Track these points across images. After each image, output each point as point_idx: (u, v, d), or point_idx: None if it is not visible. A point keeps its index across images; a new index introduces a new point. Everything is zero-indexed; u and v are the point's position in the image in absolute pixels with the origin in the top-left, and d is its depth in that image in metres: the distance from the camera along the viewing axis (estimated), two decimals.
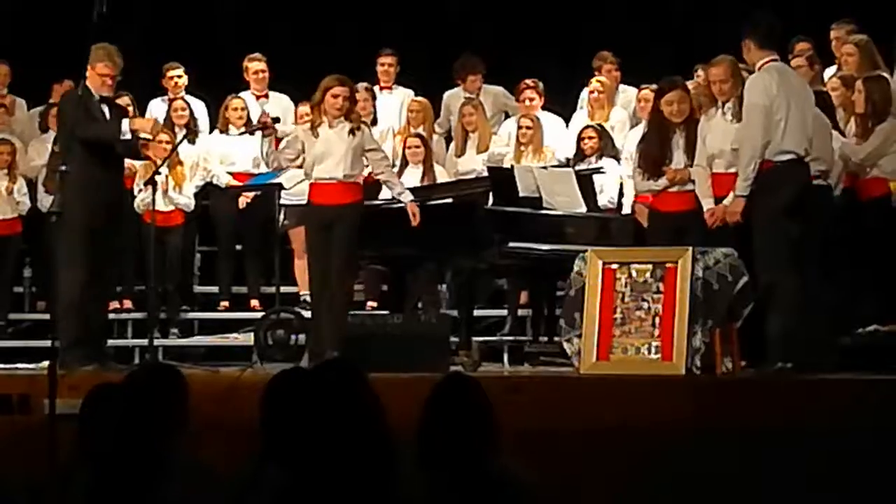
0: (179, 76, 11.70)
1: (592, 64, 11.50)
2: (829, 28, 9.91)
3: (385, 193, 10.64)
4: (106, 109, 8.98)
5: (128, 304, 11.24)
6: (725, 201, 8.13)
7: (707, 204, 8.40)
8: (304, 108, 11.39)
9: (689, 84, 10.22)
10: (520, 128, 10.90)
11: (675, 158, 8.72)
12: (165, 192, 10.60)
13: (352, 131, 9.11)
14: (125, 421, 4.00)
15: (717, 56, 8.53)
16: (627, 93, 11.46)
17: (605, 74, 11.42)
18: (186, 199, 11.12)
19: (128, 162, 10.83)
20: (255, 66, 11.74)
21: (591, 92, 11.25)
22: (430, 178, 10.71)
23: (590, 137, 10.48)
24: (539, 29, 12.71)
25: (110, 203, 8.93)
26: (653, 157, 8.81)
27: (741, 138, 7.81)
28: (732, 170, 8.28)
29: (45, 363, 7.52)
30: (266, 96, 11.86)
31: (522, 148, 10.80)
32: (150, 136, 9.46)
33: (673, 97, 8.79)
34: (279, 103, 11.85)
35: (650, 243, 8.56)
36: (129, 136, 8.88)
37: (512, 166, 9.98)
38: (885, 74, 9.07)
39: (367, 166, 9.33)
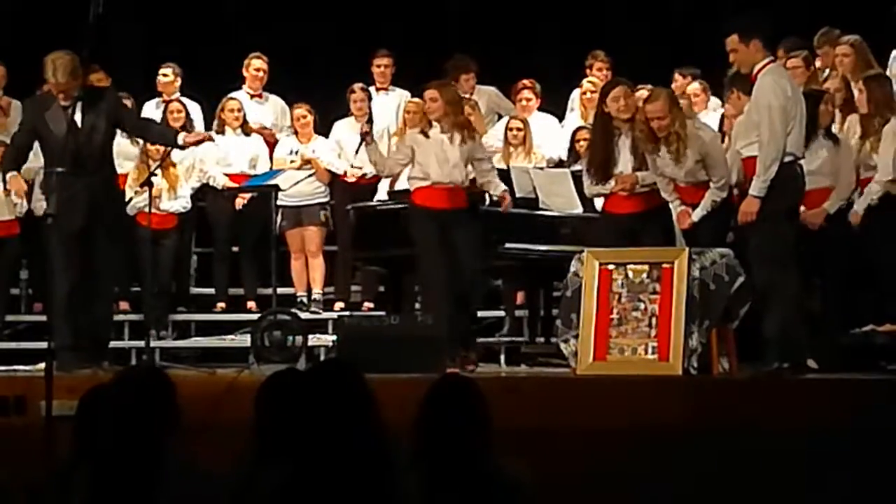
0: (167, 75, 11.66)
1: (585, 62, 11.51)
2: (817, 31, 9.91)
3: (381, 195, 10.67)
4: (77, 113, 8.86)
5: (124, 305, 11.23)
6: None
7: (675, 207, 8.48)
8: (300, 111, 11.41)
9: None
10: (510, 129, 10.91)
11: (621, 159, 8.71)
12: (157, 196, 10.56)
13: (464, 140, 9.09)
14: (115, 424, 4.00)
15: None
16: None
17: (596, 73, 11.42)
18: (182, 203, 11.09)
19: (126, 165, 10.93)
20: (257, 63, 11.72)
21: (584, 92, 11.25)
22: None
23: (584, 139, 10.46)
24: (536, 29, 12.71)
25: (95, 205, 8.89)
26: (598, 159, 8.79)
27: (762, 140, 7.77)
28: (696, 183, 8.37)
29: (42, 365, 7.51)
30: (260, 96, 11.86)
31: (512, 149, 10.81)
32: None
33: (618, 93, 8.77)
34: (274, 105, 11.85)
35: (601, 245, 8.51)
36: None
37: (508, 167, 9.98)
38: (884, 73, 9.09)
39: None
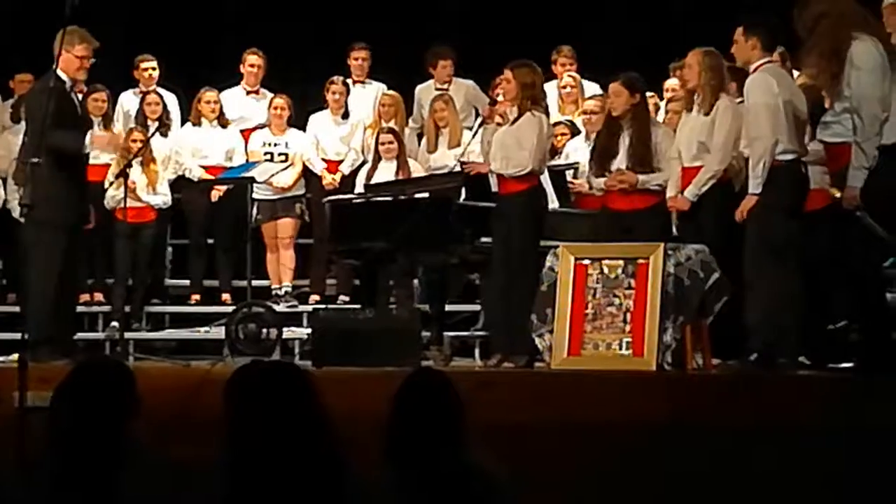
0: (154, 68, 11.68)
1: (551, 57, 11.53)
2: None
3: (357, 188, 10.67)
4: (76, 99, 8.96)
5: (99, 297, 11.21)
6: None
7: (670, 191, 8.53)
8: (279, 101, 11.40)
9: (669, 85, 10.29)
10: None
11: (618, 156, 8.74)
12: (134, 190, 10.53)
13: (518, 118, 8.82)
14: (76, 415, 4.00)
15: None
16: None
17: (559, 68, 11.44)
18: (161, 198, 11.06)
19: (104, 157, 10.91)
20: (252, 59, 11.76)
21: (564, 87, 11.26)
22: (404, 173, 10.70)
23: (562, 134, 10.48)
24: (515, 24, 12.70)
25: (80, 197, 8.91)
26: (600, 151, 8.90)
27: (751, 138, 7.79)
28: (697, 163, 8.36)
29: (16, 356, 7.49)
30: (257, 92, 11.85)
31: None
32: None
33: (610, 89, 8.87)
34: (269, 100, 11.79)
35: (599, 240, 8.53)
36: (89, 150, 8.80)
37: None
38: None
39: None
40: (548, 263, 8.31)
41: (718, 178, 8.36)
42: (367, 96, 11.81)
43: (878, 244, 7.63)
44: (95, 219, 9.27)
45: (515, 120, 8.80)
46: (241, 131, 11.62)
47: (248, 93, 11.85)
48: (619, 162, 8.71)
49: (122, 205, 9.90)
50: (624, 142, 8.75)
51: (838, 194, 7.58)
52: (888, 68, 7.58)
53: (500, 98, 9.42)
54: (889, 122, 7.57)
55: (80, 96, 9.09)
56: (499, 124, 9.10)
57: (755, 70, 7.89)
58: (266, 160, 11.16)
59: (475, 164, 9.13)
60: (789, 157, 7.80)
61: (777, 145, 7.74)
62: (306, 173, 11.41)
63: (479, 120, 10.61)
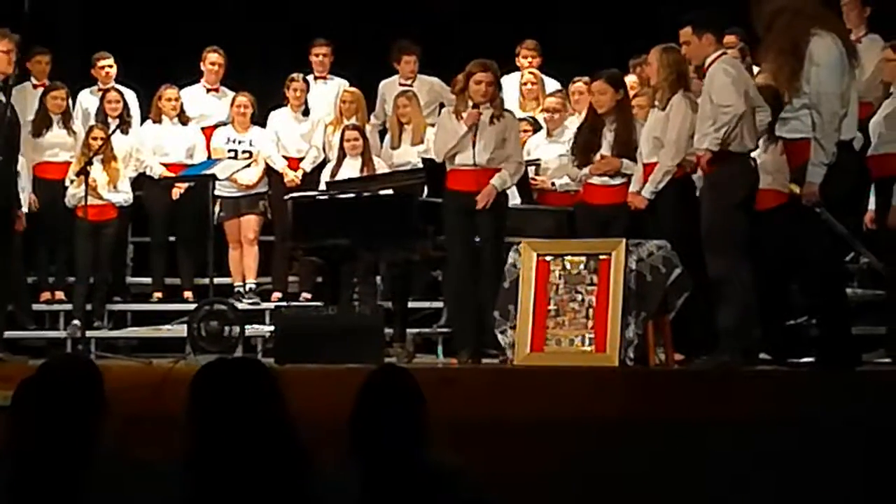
0: (110, 66, 11.62)
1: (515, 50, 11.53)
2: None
3: (322, 186, 10.65)
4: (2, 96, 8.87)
5: (60, 295, 11.15)
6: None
7: (632, 188, 8.61)
8: (242, 99, 11.36)
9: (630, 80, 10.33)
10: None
11: (604, 146, 8.85)
12: (95, 188, 10.47)
13: (495, 118, 8.77)
14: (42, 414, 3.98)
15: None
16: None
17: (522, 61, 11.45)
18: (123, 195, 10.98)
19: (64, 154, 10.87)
20: (212, 57, 11.70)
21: (525, 83, 11.26)
22: (369, 170, 10.67)
23: (524, 131, 10.48)
24: (480, 19, 12.70)
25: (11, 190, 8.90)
26: (583, 144, 8.97)
27: (720, 110, 7.79)
28: (654, 159, 8.47)
29: None
30: (217, 90, 11.82)
31: None
32: None
33: (594, 87, 9.00)
34: (229, 98, 11.73)
35: (580, 235, 8.60)
36: None
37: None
38: None
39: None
40: (510, 260, 8.32)
41: (676, 175, 8.40)
42: (328, 93, 11.79)
43: (837, 240, 7.69)
44: (57, 217, 9.22)
45: (496, 118, 8.78)
46: (202, 129, 11.59)
47: (209, 90, 11.81)
48: (603, 151, 8.81)
49: (83, 203, 9.87)
50: (607, 136, 8.83)
51: (797, 190, 7.62)
52: (847, 64, 7.64)
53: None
54: (847, 118, 7.64)
55: (20, 93, 8.95)
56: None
57: (713, 62, 7.91)
58: (230, 157, 11.12)
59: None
60: (740, 149, 7.83)
61: (744, 117, 7.74)
62: (268, 170, 11.39)
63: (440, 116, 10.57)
